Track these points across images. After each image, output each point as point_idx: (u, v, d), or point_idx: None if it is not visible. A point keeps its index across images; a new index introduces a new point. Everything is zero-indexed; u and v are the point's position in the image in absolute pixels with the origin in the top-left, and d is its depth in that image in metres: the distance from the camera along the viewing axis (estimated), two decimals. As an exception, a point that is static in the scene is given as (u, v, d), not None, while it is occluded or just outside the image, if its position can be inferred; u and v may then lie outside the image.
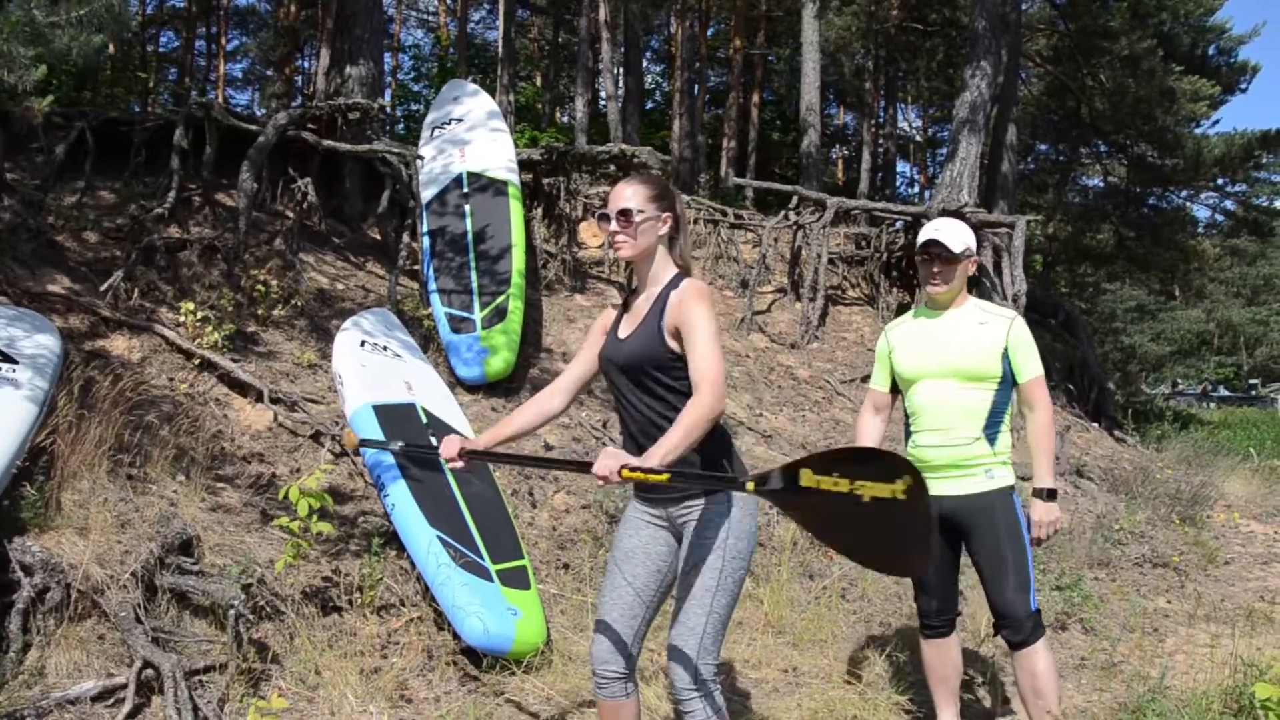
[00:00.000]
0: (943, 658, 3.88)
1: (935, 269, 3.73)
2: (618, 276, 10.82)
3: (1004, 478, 3.66)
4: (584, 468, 2.78)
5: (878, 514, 2.39)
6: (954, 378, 3.66)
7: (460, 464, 3.22)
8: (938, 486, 3.61)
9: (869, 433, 3.97)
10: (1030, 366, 3.66)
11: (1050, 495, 3.65)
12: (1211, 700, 4.22)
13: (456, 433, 5.81)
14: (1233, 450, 13.25)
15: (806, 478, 2.51)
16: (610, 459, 2.67)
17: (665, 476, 2.65)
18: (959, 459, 3.65)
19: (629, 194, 2.95)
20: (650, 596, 3.02)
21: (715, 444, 2.91)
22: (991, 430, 3.65)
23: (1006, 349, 3.65)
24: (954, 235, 3.73)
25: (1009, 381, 3.68)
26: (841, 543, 2.69)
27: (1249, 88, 21.27)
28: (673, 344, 2.87)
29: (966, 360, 3.65)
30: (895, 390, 3.94)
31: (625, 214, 2.93)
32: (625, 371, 2.95)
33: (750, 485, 2.62)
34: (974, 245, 3.79)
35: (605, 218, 2.97)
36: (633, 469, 2.64)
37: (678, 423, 2.71)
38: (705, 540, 2.86)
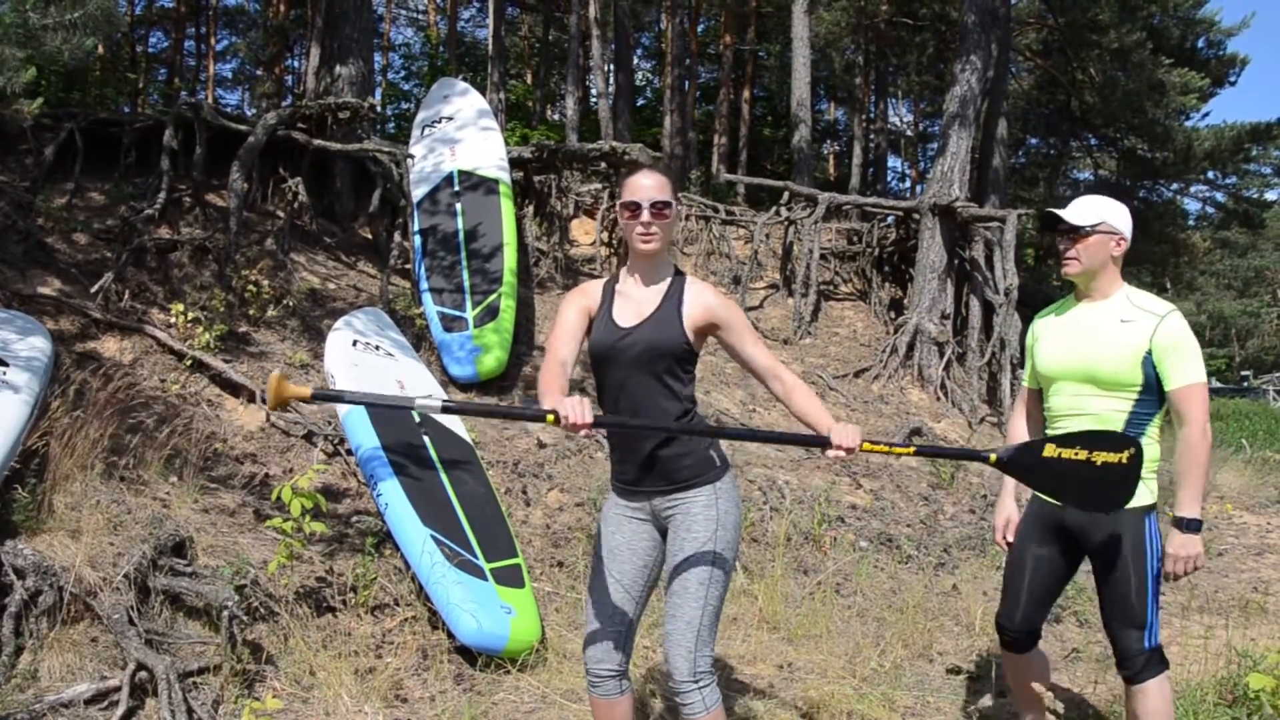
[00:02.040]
0: (1021, 673, 3.57)
1: (1061, 245, 3.28)
2: (610, 273, 10.80)
3: (1142, 495, 3.15)
4: (822, 443, 2.85)
5: (1104, 472, 3.00)
6: (1089, 383, 3.23)
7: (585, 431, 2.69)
8: None
9: (1017, 436, 3.57)
10: (1181, 372, 3.12)
11: (1191, 526, 3.13)
12: (1206, 691, 4.23)
13: (451, 431, 5.82)
14: (1225, 442, 13.28)
15: (1049, 450, 3.05)
16: (852, 433, 2.79)
17: (910, 450, 3.09)
18: None
19: (659, 185, 2.89)
20: (639, 592, 3.02)
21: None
22: None
23: (1150, 352, 3.14)
24: (1079, 206, 3.28)
25: (1155, 389, 3.17)
26: (1062, 492, 3.17)
27: (1238, 80, 21.29)
28: (691, 337, 2.91)
29: (1101, 365, 3.19)
30: None
31: (662, 206, 2.88)
32: (637, 361, 2.89)
33: (993, 458, 3.05)
34: (1116, 220, 3.25)
35: (635, 207, 2.87)
36: (874, 443, 2.90)
37: (810, 399, 3.00)
38: (694, 533, 2.87)
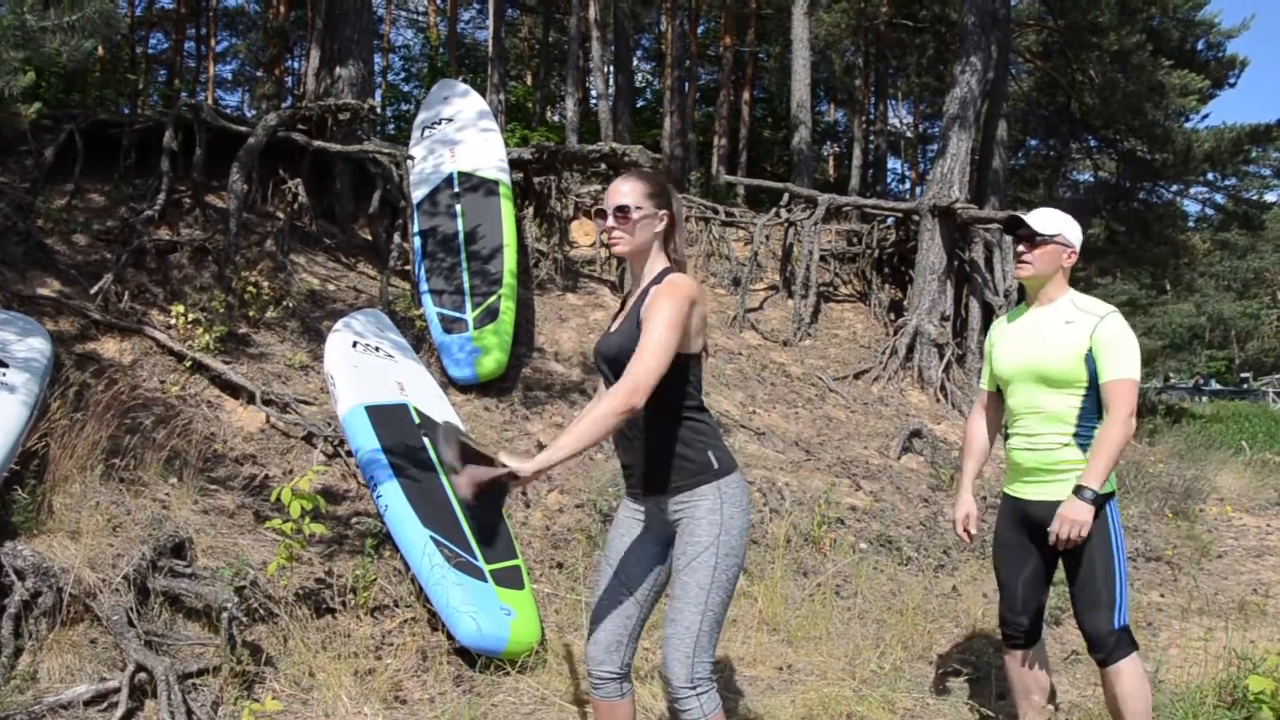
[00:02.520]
0: (1021, 671, 3.71)
1: (1019, 249, 3.54)
2: (610, 275, 10.82)
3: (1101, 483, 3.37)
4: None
5: None
6: (1037, 382, 3.48)
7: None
8: (1027, 490, 3.54)
9: (975, 436, 3.84)
10: (1113, 367, 3.34)
11: (1085, 495, 3.30)
12: (1205, 694, 4.22)
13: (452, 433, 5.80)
14: (1225, 443, 13.28)
15: None
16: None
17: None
18: (1046, 463, 3.47)
19: (627, 190, 2.93)
20: (644, 596, 3.02)
21: (701, 437, 2.92)
22: (1084, 436, 3.42)
23: (1091, 350, 3.37)
24: (1042, 215, 3.54)
25: (1098, 384, 3.40)
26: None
27: (1238, 82, 21.24)
28: None
29: (1046, 365, 3.44)
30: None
31: (623, 210, 2.91)
32: (610, 365, 2.94)
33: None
34: (1071, 233, 3.52)
35: (602, 213, 2.95)
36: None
37: (577, 420, 2.82)
38: (698, 538, 2.86)
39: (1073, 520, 3.31)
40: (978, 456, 3.84)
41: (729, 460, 2.97)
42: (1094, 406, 3.42)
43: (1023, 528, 3.60)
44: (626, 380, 2.72)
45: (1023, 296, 3.76)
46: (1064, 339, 3.43)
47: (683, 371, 2.90)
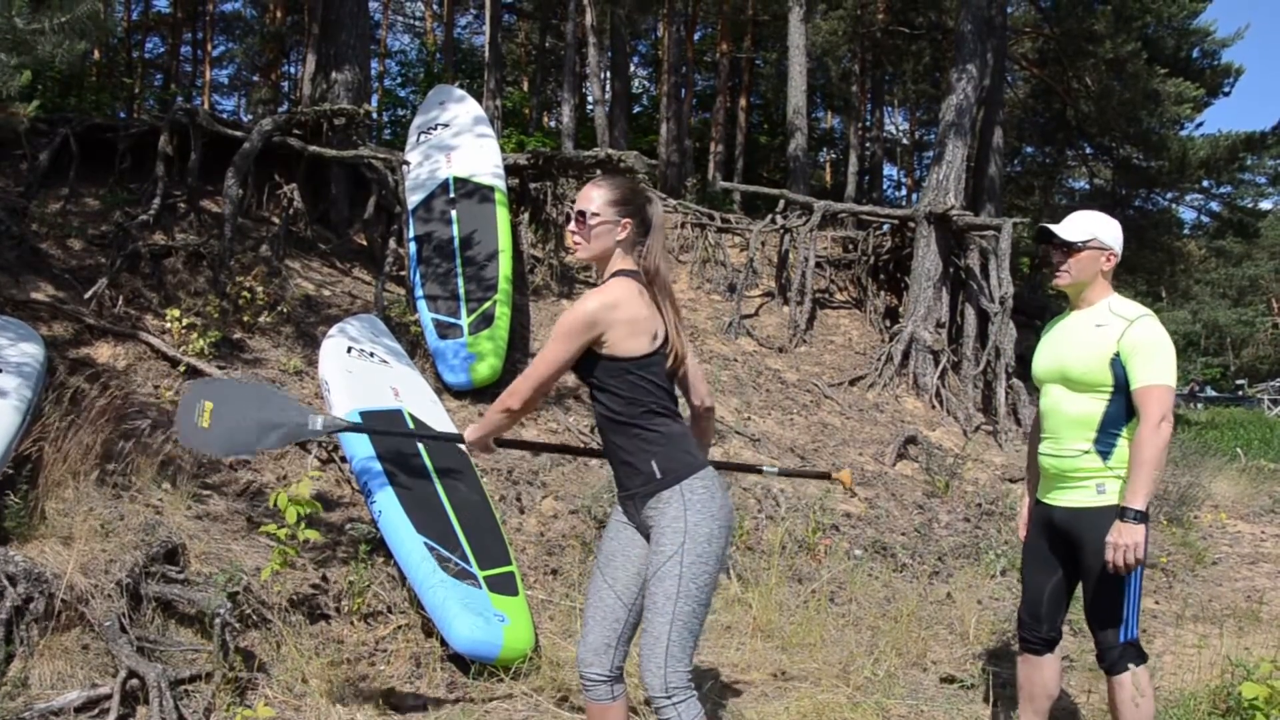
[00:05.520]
0: (1031, 676, 3.63)
1: (1054, 259, 3.50)
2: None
3: (1116, 494, 3.31)
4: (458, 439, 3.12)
5: None
6: (1062, 384, 3.43)
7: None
8: (1051, 496, 3.49)
9: (1032, 443, 3.75)
10: (1145, 372, 3.25)
11: (1132, 516, 3.19)
12: (1200, 701, 4.23)
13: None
14: (1220, 450, 13.29)
15: None
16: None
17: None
18: (1067, 469, 3.40)
19: (589, 197, 2.96)
20: (631, 599, 3.01)
21: (647, 445, 2.90)
22: (1105, 443, 3.34)
23: (1119, 354, 3.30)
24: (1071, 223, 3.48)
25: (1128, 390, 3.31)
26: None
27: (1232, 90, 21.36)
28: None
29: (1072, 366, 3.39)
30: None
31: (581, 216, 2.95)
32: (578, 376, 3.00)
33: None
34: (1106, 235, 3.45)
35: (567, 218, 3.00)
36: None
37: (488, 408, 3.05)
38: (663, 546, 2.85)
39: (1125, 546, 3.20)
40: (1034, 463, 3.75)
41: (685, 466, 2.89)
42: (1119, 413, 3.34)
43: (1048, 533, 3.54)
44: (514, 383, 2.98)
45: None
46: (1091, 341, 3.37)
47: (622, 375, 2.87)
